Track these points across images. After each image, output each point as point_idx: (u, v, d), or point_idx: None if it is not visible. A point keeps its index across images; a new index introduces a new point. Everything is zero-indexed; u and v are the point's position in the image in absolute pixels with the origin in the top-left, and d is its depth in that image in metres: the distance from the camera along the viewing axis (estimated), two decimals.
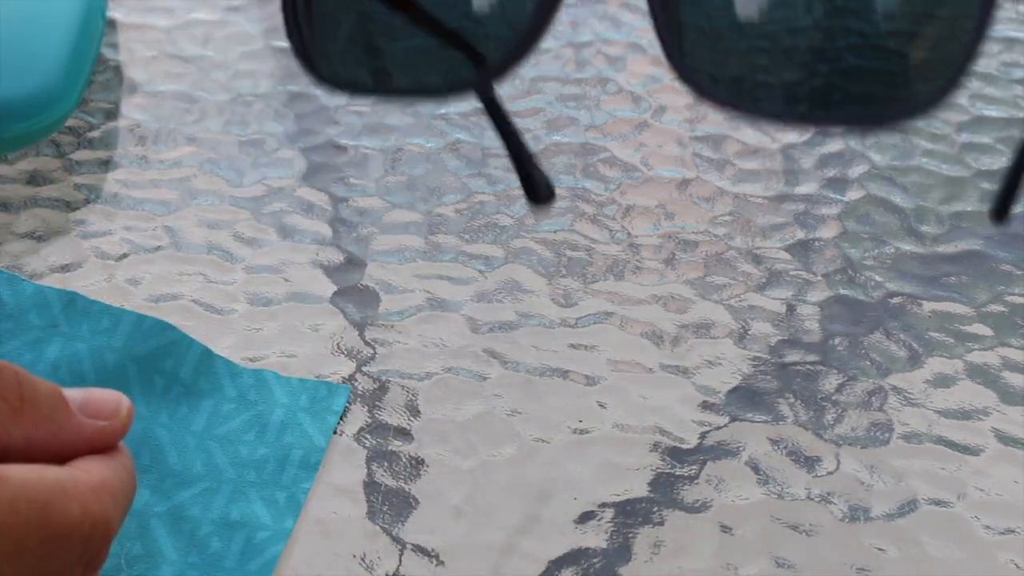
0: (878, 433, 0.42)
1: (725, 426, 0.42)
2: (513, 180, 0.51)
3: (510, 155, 0.31)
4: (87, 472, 0.31)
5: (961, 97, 0.56)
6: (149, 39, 0.56)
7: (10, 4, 0.49)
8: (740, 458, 0.41)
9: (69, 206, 0.48)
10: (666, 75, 0.57)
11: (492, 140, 0.53)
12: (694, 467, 0.41)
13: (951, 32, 0.24)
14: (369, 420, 0.41)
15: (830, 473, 0.41)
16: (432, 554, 0.38)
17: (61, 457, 0.32)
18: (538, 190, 0.31)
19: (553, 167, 0.52)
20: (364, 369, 0.43)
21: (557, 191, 0.50)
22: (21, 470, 0.29)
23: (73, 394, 0.33)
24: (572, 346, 0.44)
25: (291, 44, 0.28)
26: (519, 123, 0.54)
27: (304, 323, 0.45)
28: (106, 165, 0.50)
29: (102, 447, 0.32)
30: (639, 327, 0.45)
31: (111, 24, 0.57)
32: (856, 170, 0.52)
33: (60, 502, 0.29)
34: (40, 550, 0.28)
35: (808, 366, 0.44)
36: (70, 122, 0.51)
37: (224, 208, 0.49)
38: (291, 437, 0.40)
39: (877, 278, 0.48)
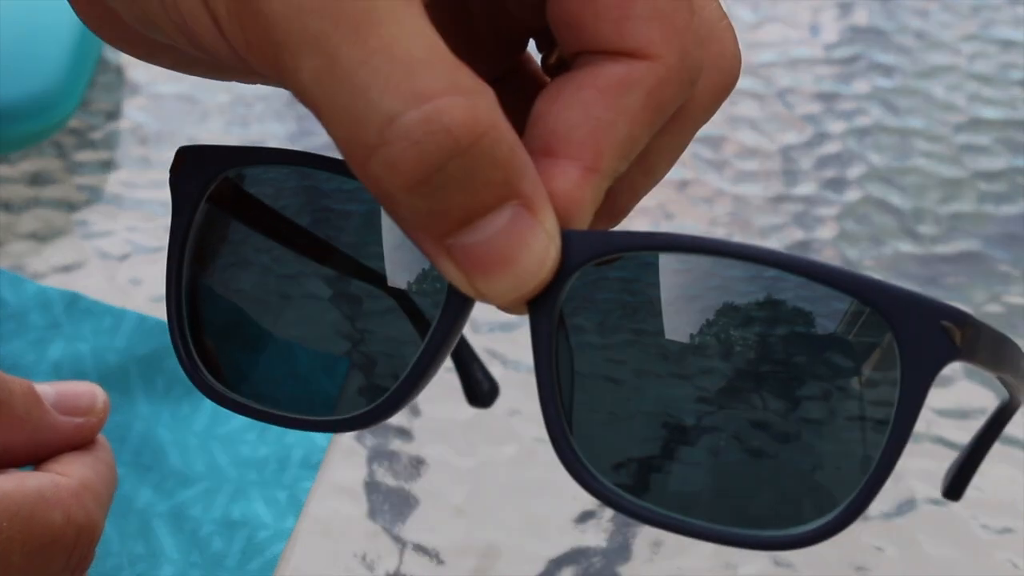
0: None
1: None
2: None
3: (454, 359, 0.30)
4: (67, 474, 0.30)
5: (959, 98, 0.56)
6: None
7: (11, 6, 0.49)
8: None
9: (71, 207, 0.48)
10: None
11: None
12: None
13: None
14: None
15: None
16: (432, 553, 0.38)
17: (38, 457, 0.31)
18: (478, 393, 0.30)
19: None
20: None
21: None
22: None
23: (46, 389, 0.32)
24: None
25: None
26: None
27: None
28: (108, 166, 0.50)
29: (80, 444, 0.32)
30: None
31: None
32: (854, 171, 0.52)
33: (42, 512, 0.28)
34: (25, 564, 0.28)
35: None
36: (72, 123, 0.52)
37: None
38: (292, 437, 0.40)
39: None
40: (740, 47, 0.26)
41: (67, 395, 0.32)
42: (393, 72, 0.19)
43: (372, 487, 0.40)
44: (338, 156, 0.22)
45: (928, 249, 0.49)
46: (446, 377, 0.43)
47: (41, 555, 0.28)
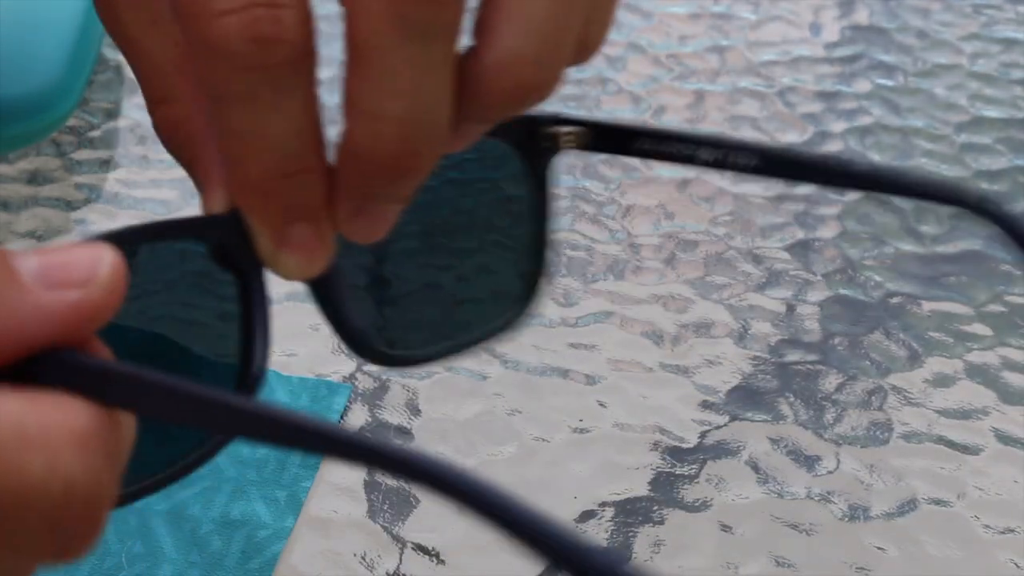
0: (878, 432, 0.42)
1: (725, 425, 0.42)
2: None
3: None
4: (61, 411, 0.20)
5: (960, 97, 0.56)
6: None
7: (10, 4, 0.49)
8: (740, 457, 0.41)
9: (70, 205, 0.48)
10: (666, 75, 0.57)
11: None
12: (694, 466, 0.41)
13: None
14: (370, 419, 0.41)
15: (830, 472, 0.41)
16: (432, 553, 0.38)
17: (13, 353, 0.21)
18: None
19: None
20: (365, 368, 0.43)
21: (558, 191, 0.50)
22: None
23: (27, 261, 0.21)
24: (572, 346, 0.44)
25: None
26: None
27: (304, 322, 0.45)
28: (107, 165, 0.50)
29: (77, 331, 0.21)
30: (639, 327, 0.45)
31: None
32: None
33: (15, 453, 0.19)
34: None
35: (808, 365, 0.44)
36: (71, 122, 0.52)
37: None
38: None
39: (877, 278, 0.48)
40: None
41: (55, 264, 0.22)
42: None
43: (372, 487, 0.40)
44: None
45: (930, 248, 0.49)
46: (446, 377, 0.43)
47: (5, 513, 0.20)
